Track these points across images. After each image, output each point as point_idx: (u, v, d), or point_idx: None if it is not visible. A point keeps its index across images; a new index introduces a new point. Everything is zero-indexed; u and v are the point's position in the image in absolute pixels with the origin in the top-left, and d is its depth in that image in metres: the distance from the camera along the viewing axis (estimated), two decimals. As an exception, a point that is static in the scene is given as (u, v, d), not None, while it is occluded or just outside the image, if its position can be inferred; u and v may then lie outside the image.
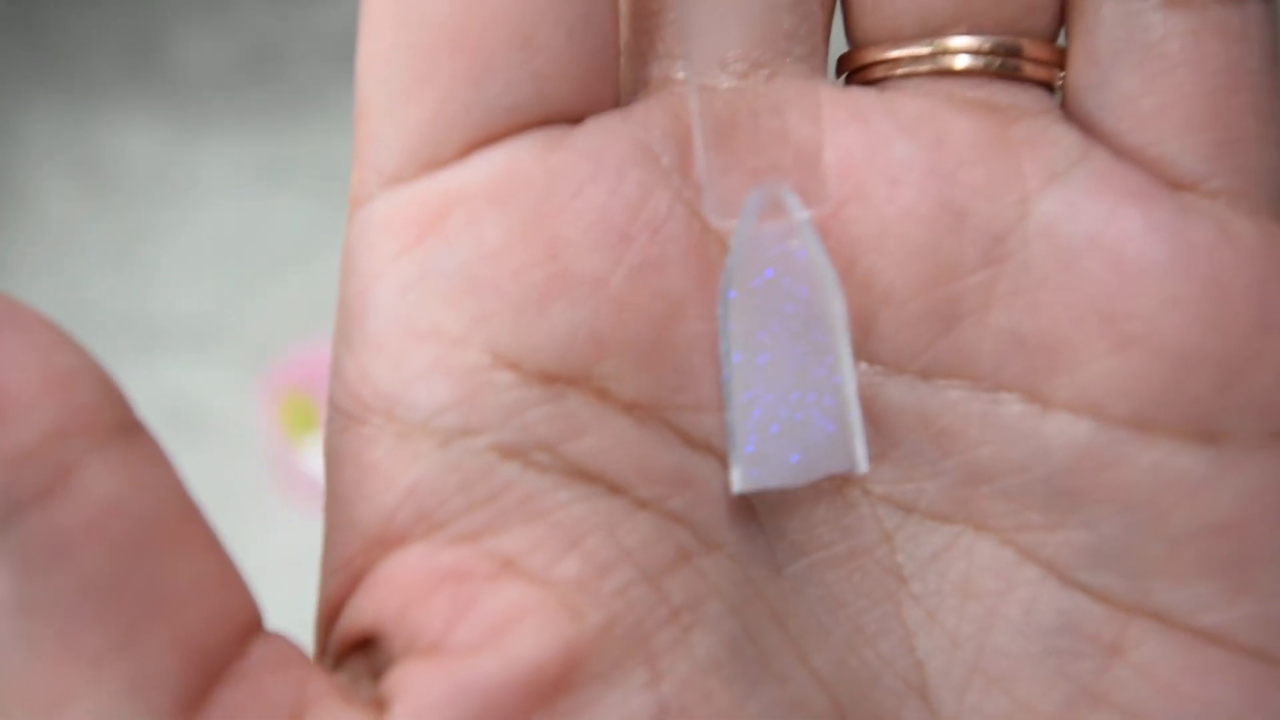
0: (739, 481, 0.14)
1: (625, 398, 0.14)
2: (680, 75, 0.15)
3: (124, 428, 0.13)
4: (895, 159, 0.15)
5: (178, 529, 0.13)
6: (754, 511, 0.15)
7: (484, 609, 0.13)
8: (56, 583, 0.12)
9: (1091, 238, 0.14)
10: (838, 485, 0.15)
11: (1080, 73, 0.15)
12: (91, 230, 0.68)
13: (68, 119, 0.71)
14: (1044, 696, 0.14)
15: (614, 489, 0.14)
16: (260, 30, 0.73)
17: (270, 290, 0.65)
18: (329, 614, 0.15)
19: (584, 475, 0.14)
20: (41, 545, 0.12)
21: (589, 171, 0.14)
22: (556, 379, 0.14)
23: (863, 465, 0.14)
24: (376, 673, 0.14)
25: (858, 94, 0.15)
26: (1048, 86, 0.16)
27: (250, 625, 0.14)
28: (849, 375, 0.14)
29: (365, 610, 0.14)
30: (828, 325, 0.14)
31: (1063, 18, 0.16)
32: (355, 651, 0.14)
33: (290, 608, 0.16)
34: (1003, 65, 0.15)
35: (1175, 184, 0.15)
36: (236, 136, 0.70)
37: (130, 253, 0.67)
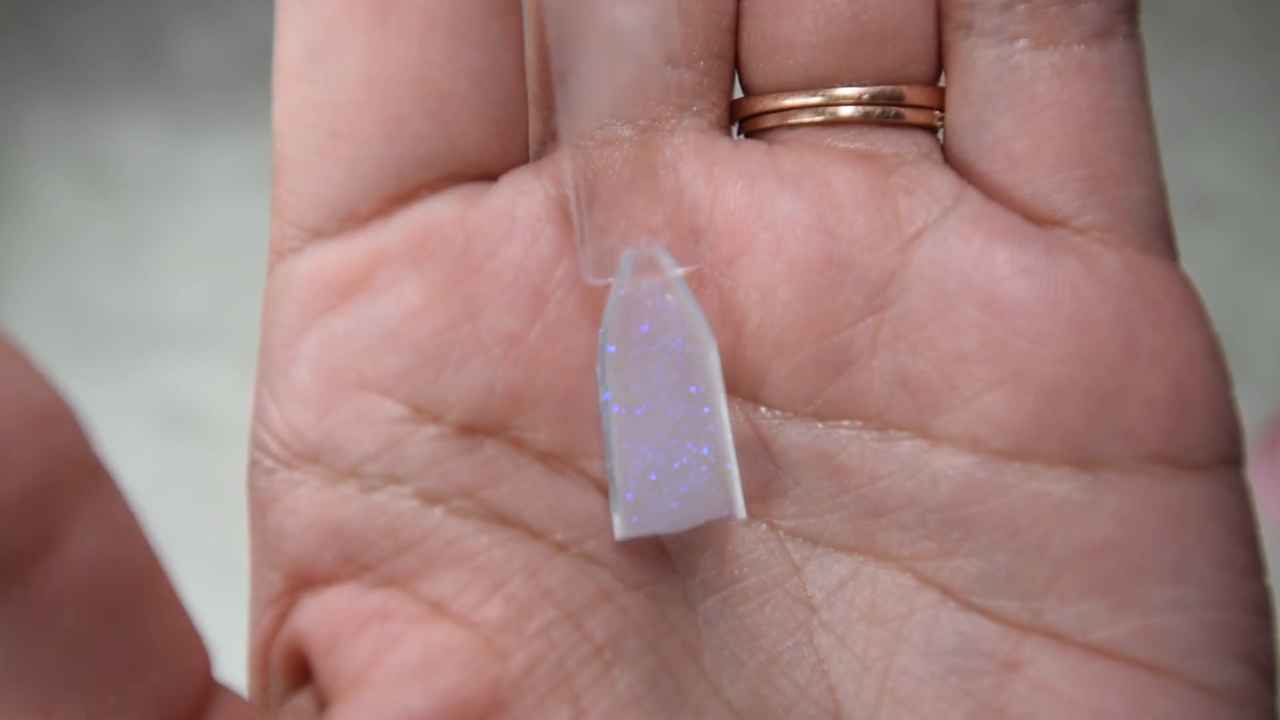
0: (619, 529, 0.15)
1: (540, 448, 0.15)
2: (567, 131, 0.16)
3: (97, 472, 0.12)
4: (781, 214, 0.15)
5: (151, 586, 0.13)
6: (665, 551, 0.15)
7: (409, 646, 0.14)
8: (43, 652, 0.12)
9: (965, 281, 0.15)
10: (746, 521, 0.16)
11: (957, 114, 0.16)
12: (91, 230, 0.69)
13: (68, 119, 0.71)
14: (948, 713, 0.15)
15: (533, 533, 0.15)
16: (260, 30, 0.73)
17: (269, 289, 0.66)
18: (261, 652, 0.15)
19: (503, 520, 0.15)
20: (30, 612, 0.11)
21: (504, 230, 0.15)
22: (475, 431, 0.15)
23: (740, 510, 0.15)
24: (317, 708, 0.15)
25: (746, 149, 0.16)
26: (930, 129, 0.16)
27: (210, 680, 0.14)
28: (725, 424, 0.15)
29: (294, 646, 0.15)
30: (703, 375, 0.15)
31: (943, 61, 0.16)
32: (296, 689, 0.15)
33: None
34: (883, 114, 0.16)
35: (1047, 220, 0.15)
36: (236, 136, 0.70)
37: (130, 253, 0.68)
